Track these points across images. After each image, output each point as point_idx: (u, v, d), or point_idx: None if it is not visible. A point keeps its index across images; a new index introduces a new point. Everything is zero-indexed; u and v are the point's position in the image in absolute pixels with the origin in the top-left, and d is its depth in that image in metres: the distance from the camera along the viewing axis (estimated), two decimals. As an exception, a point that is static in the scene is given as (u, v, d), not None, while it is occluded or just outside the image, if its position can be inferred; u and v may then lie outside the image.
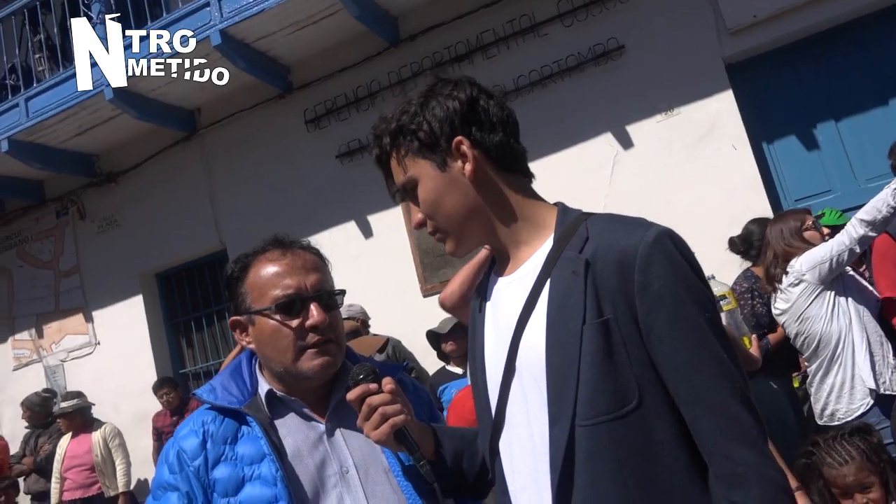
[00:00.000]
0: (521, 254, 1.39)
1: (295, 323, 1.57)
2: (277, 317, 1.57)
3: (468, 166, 1.36)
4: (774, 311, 3.75)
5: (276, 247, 1.65)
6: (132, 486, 6.88)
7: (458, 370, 4.71)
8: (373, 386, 1.45)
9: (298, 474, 1.51)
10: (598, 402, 1.20)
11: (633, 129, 5.84)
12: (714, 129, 5.61)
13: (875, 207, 3.35)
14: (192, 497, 1.50)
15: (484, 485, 1.55)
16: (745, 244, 4.40)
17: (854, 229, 3.41)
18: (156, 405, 6.99)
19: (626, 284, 1.22)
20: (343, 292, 1.68)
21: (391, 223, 6.58)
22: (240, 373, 1.68)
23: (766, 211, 5.30)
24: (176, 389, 6.92)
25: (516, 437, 1.34)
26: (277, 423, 1.59)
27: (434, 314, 6.19)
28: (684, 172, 5.63)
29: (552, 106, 5.92)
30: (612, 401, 1.20)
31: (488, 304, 1.47)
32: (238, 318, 1.66)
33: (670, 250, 1.22)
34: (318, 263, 1.66)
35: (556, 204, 1.43)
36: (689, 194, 5.56)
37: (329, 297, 1.63)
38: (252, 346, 1.65)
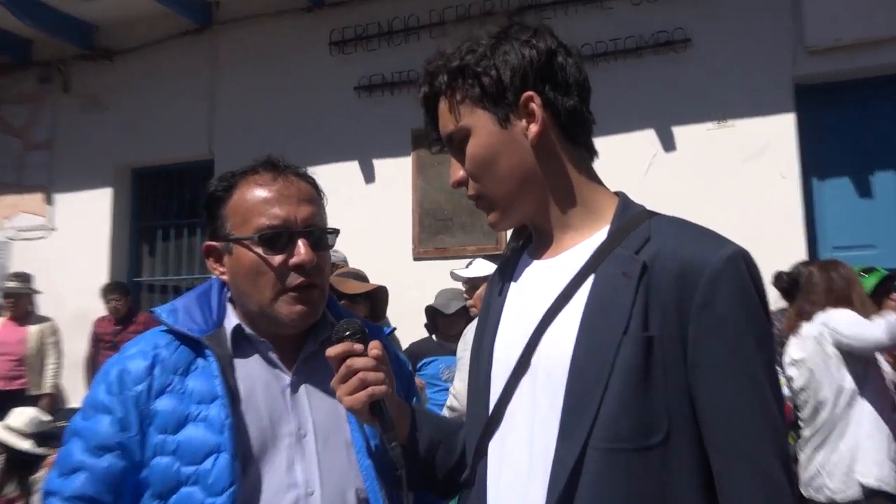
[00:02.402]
0: (566, 239, 1.32)
1: (278, 259, 1.47)
2: (259, 249, 1.48)
3: (534, 127, 1.28)
4: (785, 358, 3.71)
5: (268, 169, 1.55)
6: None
7: (448, 345, 4.63)
8: (358, 346, 1.36)
9: (248, 425, 1.42)
10: (621, 426, 1.13)
11: (680, 132, 5.74)
12: (766, 151, 5.51)
13: None
14: (125, 424, 1.40)
15: (453, 485, 1.46)
16: (791, 284, 4.34)
17: None
18: (101, 308, 6.91)
19: (683, 300, 1.14)
20: (337, 231, 1.58)
21: (397, 172, 6.48)
22: (207, 299, 1.58)
23: (801, 252, 5.23)
24: (126, 297, 6.84)
25: (513, 441, 1.26)
26: (238, 362, 1.49)
27: (423, 281, 6.16)
28: (723, 190, 5.54)
29: (599, 86, 5.70)
30: (636, 428, 1.12)
31: (513, 286, 1.38)
32: (214, 243, 1.56)
33: (743, 274, 1.16)
34: (313, 195, 1.56)
35: (617, 193, 1.36)
36: (722, 215, 5.44)
37: (320, 235, 1.53)
38: (225, 277, 1.56)
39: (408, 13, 6.49)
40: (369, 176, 6.60)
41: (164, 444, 1.38)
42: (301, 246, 1.48)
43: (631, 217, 1.28)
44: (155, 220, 7.85)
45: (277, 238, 1.48)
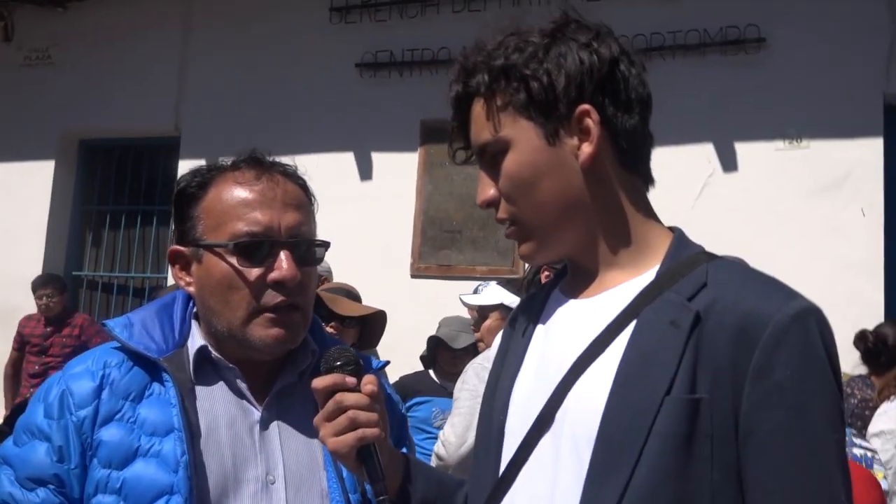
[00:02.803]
0: (609, 277, 1.35)
1: (255, 273, 1.52)
2: (234, 259, 1.52)
3: (587, 147, 1.30)
4: (872, 429, 3.77)
5: (251, 166, 1.60)
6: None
7: (445, 385, 4.67)
8: (350, 380, 1.39)
9: (208, 465, 1.47)
10: (657, 501, 1.15)
11: (743, 149, 5.79)
12: (847, 180, 5.55)
13: None
14: (64, 454, 1.45)
15: None
16: (878, 345, 4.39)
17: None
18: (30, 306, 6.96)
19: (740, 360, 1.16)
20: (327, 245, 1.63)
21: (400, 170, 6.54)
22: (169, 314, 1.63)
23: (877, 303, 5.28)
24: (61, 294, 6.90)
25: None
26: (200, 391, 1.54)
27: (419, 303, 6.20)
28: (789, 222, 5.58)
29: (651, 84, 5.84)
30: None
31: (540, 328, 1.42)
32: (181, 248, 1.61)
33: (813, 335, 1.18)
34: (302, 199, 1.61)
35: (672, 228, 1.39)
36: (785, 251, 5.49)
37: (307, 249, 1.58)
38: (192, 289, 1.60)
39: (427, -20, 6.57)
40: (365, 172, 6.66)
41: (108, 480, 1.43)
42: (283, 259, 1.52)
43: (686, 258, 1.30)
44: (103, 204, 7.91)
45: (256, 248, 1.52)
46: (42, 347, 6.71)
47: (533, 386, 1.35)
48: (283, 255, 1.52)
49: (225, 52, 7.22)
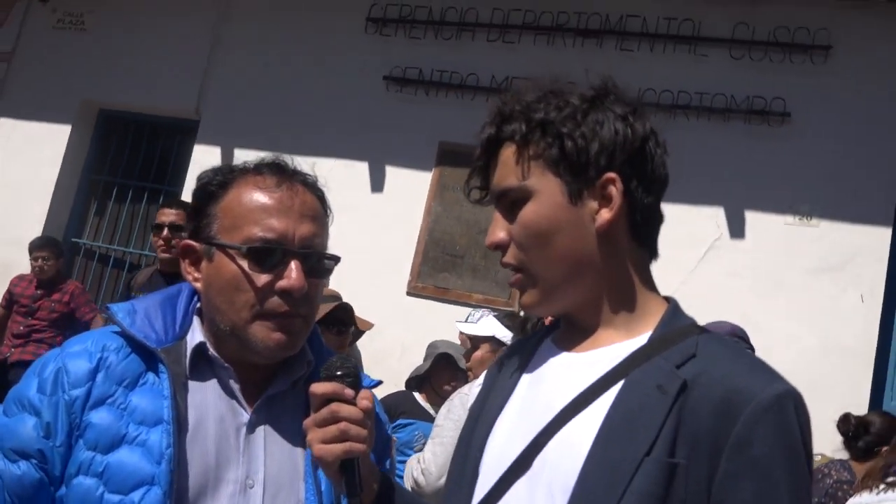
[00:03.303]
0: (603, 336, 1.39)
1: (264, 279, 1.54)
2: (245, 262, 1.55)
3: (606, 213, 1.35)
4: None
5: (274, 172, 1.62)
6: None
7: (429, 408, 4.68)
8: (348, 392, 1.41)
9: (191, 461, 1.49)
10: None
11: (753, 218, 5.83)
12: (850, 264, 5.60)
13: None
14: (51, 431, 1.47)
15: None
16: (859, 431, 4.43)
17: None
18: (25, 265, 6.97)
19: (720, 431, 1.21)
20: (337, 259, 1.66)
21: (411, 187, 6.58)
22: (173, 306, 1.65)
23: (864, 388, 5.32)
24: (57, 258, 6.89)
25: None
26: (192, 385, 1.56)
27: (411, 322, 6.21)
28: (788, 296, 5.62)
29: (671, 141, 5.87)
30: None
31: (527, 374, 1.46)
32: (193, 244, 1.63)
33: (790, 416, 1.23)
34: (318, 211, 1.64)
35: (667, 298, 1.44)
36: (781, 323, 5.53)
37: (318, 260, 1.61)
38: (199, 285, 1.63)
39: (466, 5, 6.61)
40: (377, 184, 6.69)
41: (92, 462, 1.45)
42: (293, 269, 1.54)
43: (678, 328, 1.35)
44: (113, 176, 7.94)
45: (268, 254, 1.54)
46: (30, 309, 6.70)
47: (514, 429, 1.39)
48: (293, 264, 1.54)
49: (256, 44, 7.27)
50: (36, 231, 7.40)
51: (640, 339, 1.35)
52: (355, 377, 1.44)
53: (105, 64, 7.73)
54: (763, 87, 5.90)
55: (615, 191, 1.35)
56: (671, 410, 1.23)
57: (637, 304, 1.40)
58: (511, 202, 1.39)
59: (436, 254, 6.45)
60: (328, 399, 1.39)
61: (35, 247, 6.86)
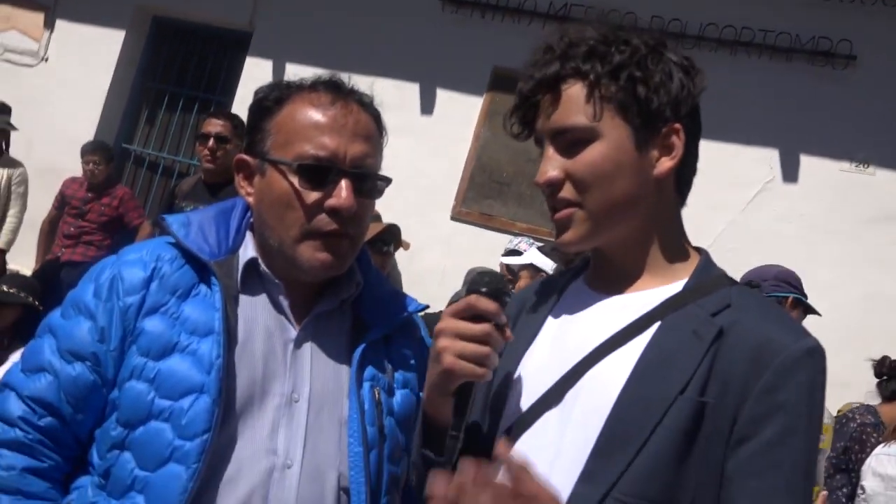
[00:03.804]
0: (638, 280, 1.44)
1: (314, 196, 1.56)
2: (295, 179, 1.56)
3: (668, 162, 1.39)
4: (871, 466, 3.82)
5: (329, 90, 1.63)
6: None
7: None
8: (504, 319, 1.36)
9: (239, 373, 1.53)
10: (651, 486, 1.26)
11: (808, 163, 5.74)
12: (905, 215, 5.51)
13: None
14: (105, 335, 1.52)
15: None
16: (893, 373, 4.43)
17: None
18: (76, 168, 7.08)
19: (751, 375, 1.28)
20: (389, 181, 1.67)
21: (462, 111, 6.54)
22: (226, 220, 1.68)
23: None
24: (108, 163, 7.00)
25: None
26: (243, 299, 1.60)
27: (453, 246, 6.23)
28: (834, 244, 5.55)
29: (729, 77, 5.74)
30: (664, 492, 1.27)
31: (557, 312, 1.49)
32: (247, 158, 1.65)
33: (819, 372, 1.31)
34: (372, 131, 1.65)
35: (699, 250, 1.49)
36: (824, 270, 5.45)
37: (369, 181, 1.62)
38: (251, 200, 1.65)
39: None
40: (427, 106, 6.65)
41: (144, 368, 1.50)
42: (343, 187, 1.55)
43: (711, 278, 1.41)
44: (165, 84, 7.96)
45: (319, 172, 1.56)
46: (80, 211, 6.82)
47: (545, 365, 1.42)
48: (343, 183, 1.56)
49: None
50: (89, 135, 7.49)
51: (675, 287, 1.40)
52: (501, 301, 1.37)
53: (161, -30, 7.70)
54: (830, 28, 5.73)
55: (678, 141, 1.38)
56: (706, 354, 1.29)
57: (675, 252, 1.45)
58: (571, 141, 1.38)
59: (482, 180, 6.43)
60: (479, 316, 1.34)
61: (87, 151, 6.96)
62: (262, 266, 1.62)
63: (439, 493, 1.15)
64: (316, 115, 1.58)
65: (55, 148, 7.55)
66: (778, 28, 5.84)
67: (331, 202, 1.55)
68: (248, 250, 1.64)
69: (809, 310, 3.99)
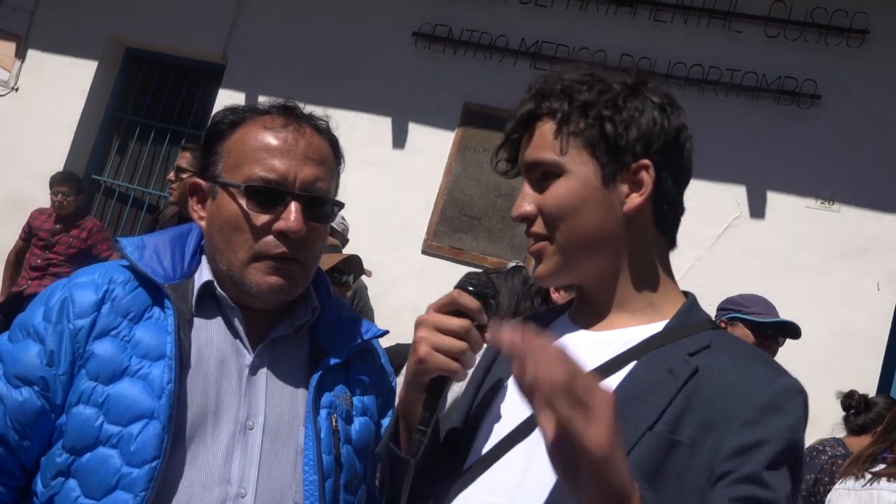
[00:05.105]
0: (620, 318, 1.44)
1: (262, 219, 1.54)
2: (244, 202, 1.54)
3: (636, 198, 1.39)
4: (831, 501, 3.81)
5: (282, 114, 1.62)
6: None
7: None
8: (485, 318, 1.38)
9: (191, 399, 1.50)
10: None
11: (774, 199, 5.80)
12: (867, 253, 5.57)
13: None
14: (54, 360, 1.48)
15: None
16: (860, 408, 4.46)
17: None
18: (44, 199, 7.01)
19: (732, 412, 1.27)
20: (340, 205, 1.65)
21: (433, 146, 6.56)
22: (182, 244, 1.66)
23: (873, 376, 5.33)
24: (77, 194, 6.94)
25: None
26: (198, 323, 1.57)
27: (424, 280, 6.22)
28: (803, 279, 5.60)
29: (699, 115, 5.79)
30: None
31: None
32: (200, 182, 1.63)
33: (800, 411, 1.29)
34: (326, 155, 1.63)
35: (685, 293, 1.48)
36: (794, 305, 5.45)
37: (319, 205, 1.59)
38: (203, 224, 1.63)
39: (502, -34, 6.54)
40: (399, 140, 6.66)
41: (93, 392, 1.46)
42: (292, 210, 1.53)
43: (694, 321, 1.41)
44: (137, 115, 7.93)
45: (268, 194, 1.54)
46: (48, 243, 6.76)
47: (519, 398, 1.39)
48: (292, 206, 1.54)
49: (286, -8, 7.21)
50: (58, 166, 7.43)
51: (656, 326, 1.40)
52: (486, 303, 1.38)
53: (133, 2, 7.69)
54: (795, 68, 5.84)
55: (647, 177, 1.38)
56: (679, 392, 1.29)
57: (655, 292, 1.44)
58: (542, 174, 1.41)
59: (453, 214, 6.43)
60: (461, 312, 1.36)
61: (55, 182, 6.90)
62: (218, 289, 1.59)
63: (510, 339, 1.11)
64: (267, 138, 1.57)
65: (24, 178, 7.48)
66: (745, 67, 5.93)
67: (279, 225, 1.53)
68: (203, 274, 1.62)
69: (752, 325, 4.04)
